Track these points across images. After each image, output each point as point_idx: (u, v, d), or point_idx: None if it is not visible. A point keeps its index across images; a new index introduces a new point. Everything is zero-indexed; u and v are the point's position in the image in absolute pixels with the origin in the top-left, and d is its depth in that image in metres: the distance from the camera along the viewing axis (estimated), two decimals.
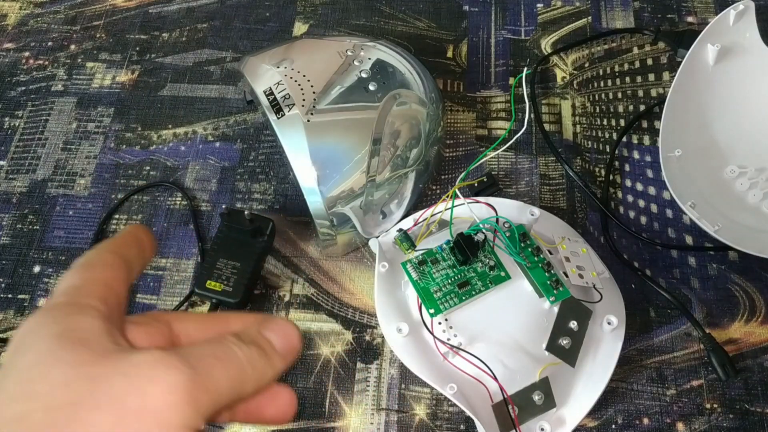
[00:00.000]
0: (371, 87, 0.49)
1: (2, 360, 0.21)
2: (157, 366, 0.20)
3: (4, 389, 0.19)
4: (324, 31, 0.66)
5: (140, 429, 0.19)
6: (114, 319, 0.22)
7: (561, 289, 0.46)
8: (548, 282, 0.46)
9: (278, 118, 0.48)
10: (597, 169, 0.57)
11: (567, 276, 0.46)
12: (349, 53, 0.51)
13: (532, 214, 0.48)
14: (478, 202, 0.50)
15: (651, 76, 0.61)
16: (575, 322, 0.44)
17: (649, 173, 0.57)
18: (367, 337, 0.51)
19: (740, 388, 0.47)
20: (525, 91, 0.58)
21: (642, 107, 0.60)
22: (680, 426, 0.47)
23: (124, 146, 0.60)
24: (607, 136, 0.59)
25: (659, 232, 0.54)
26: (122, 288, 0.24)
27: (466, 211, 0.49)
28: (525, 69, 0.61)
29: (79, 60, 0.66)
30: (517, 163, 0.58)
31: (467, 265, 0.47)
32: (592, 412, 0.46)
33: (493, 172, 0.57)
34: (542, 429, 0.43)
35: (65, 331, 0.20)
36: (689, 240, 0.53)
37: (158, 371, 0.20)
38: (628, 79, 0.62)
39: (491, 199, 0.51)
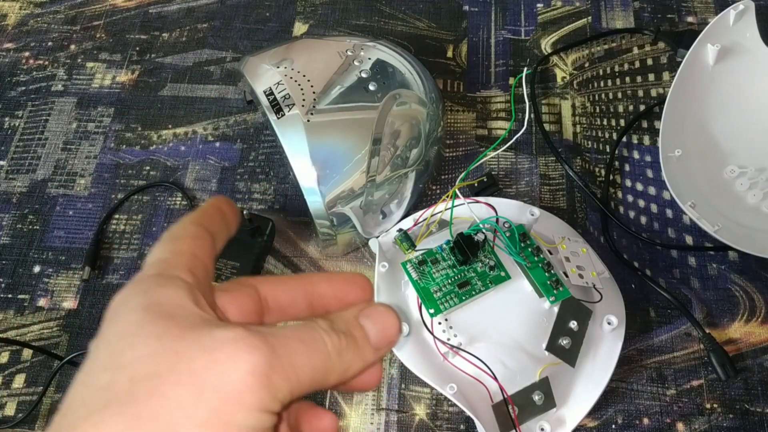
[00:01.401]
0: (371, 87, 0.49)
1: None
2: (239, 345, 0.19)
3: (96, 357, 0.20)
4: (324, 31, 0.66)
5: (218, 407, 0.19)
6: (202, 288, 0.22)
7: (561, 289, 0.46)
8: (548, 282, 0.46)
9: (278, 118, 0.48)
10: (597, 169, 0.57)
11: (567, 276, 0.46)
12: (349, 53, 0.51)
13: (532, 214, 0.48)
14: (478, 202, 0.50)
15: (651, 76, 0.61)
16: (575, 322, 0.44)
17: (649, 173, 0.57)
18: None
19: (740, 388, 0.47)
20: (525, 91, 0.58)
21: (642, 107, 0.60)
22: (680, 426, 0.47)
23: (124, 146, 0.60)
24: (607, 136, 0.59)
25: (659, 232, 0.54)
26: (209, 258, 0.24)
27: (466, 211, 0.49)
28: (525, 69, 0.61)
29: (79, 60, 0.66)
30: (517, 163, 0.58)
31: (467, 265, 0.47)
32: (592, 412, 0.46)
33: (493, 172, 0.57)
34: (542, 429, 0.43)
35: (153, 303, 0.21)
36: (689, 240, 0.53)
37: (239, 350, 0.19)
38: (628, 79, 0.62)
39: (491, 199, 0.51)
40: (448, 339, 0.45)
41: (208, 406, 0.19)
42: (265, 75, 0.50)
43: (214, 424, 0.19)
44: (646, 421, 0.47)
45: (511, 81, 0.62)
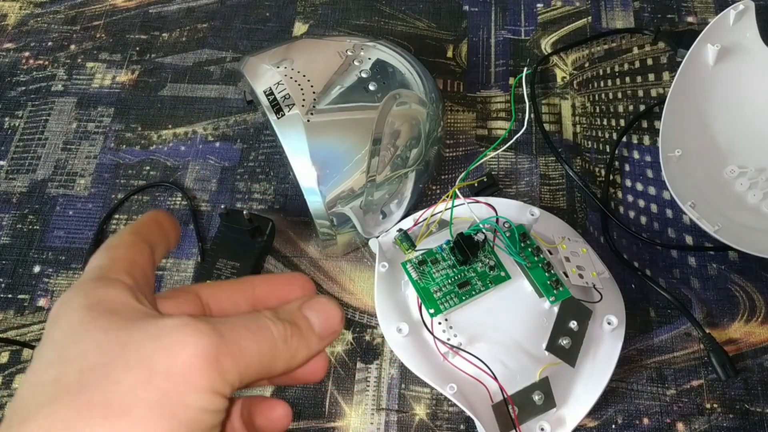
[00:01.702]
0: (371, 87, 0.49)
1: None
2: (185, 330, 0.20)
3: (41, 356, 0.21)
4: (324, 31, 0.66)
5: (167, 389, 0.19)
6: (143, 291, 0.23)
7: (561, 289, 0.46)
8: (548, 282, 0.46)
9: (278, 118, 0.48)
10: (597, 169, 0.57)
11: (567, 276, 0.46)
12: (349, 53, 0.51)
13: (532, 214, 0.48)
14: (478, 202, 0.50)
15: (651, 76, 0.61)
16: (575, 322, 0.44)
17: (649, 173, 0.57)
18: (367, 337, 0.51)
19: (740, 388, 0.47)
20: (525, 91, 0.58)
21: (642, 107, 0.60)
22: (680, 426, 0.47)
23: (124, 146, 0.60)
24: (607, 136, 0.59)
25: (659, 232, 0.54)
26: (148, 266, 0.24)
27: (466, 211, 0.49)
28: (525, 69, 0.61)
29: (79, 60, 0.66)
30: (517, 163, 0.58)
31: (467, 265, 0.47)
32: (592, 412, 0.46)
33: (493, 172, 0.57)
34: (542, 429, 0.43)
35: (95, 302, 0.21)
36: (689, 240, 0.53)
37: (186, 334, 0.20)
38: (628, 79, 0.62)
39: (491, 199, 0.51)
40: (448, 339, 0.45)
41: (158, 389, 0.19)
42: (265, 75, 0.50)
43: (165, 406, 0.19)
44: (646, 421, 0.47)
45: (511, 81, 0.62)
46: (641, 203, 0.55)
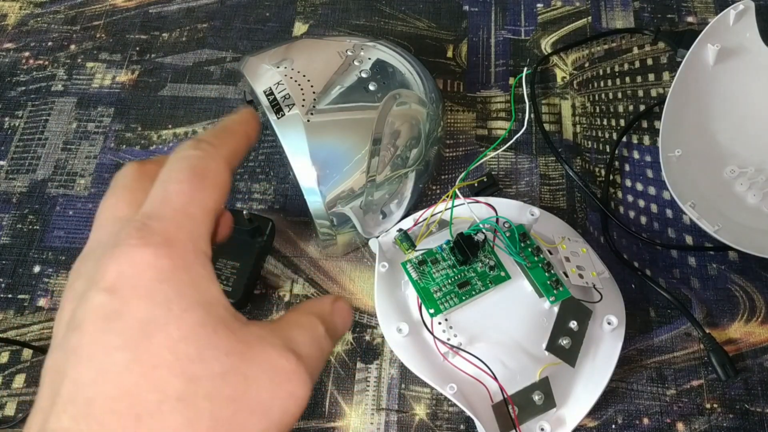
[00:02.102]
0: (371, 87, 0.50)
1: (115, 289, 0.19)
2: (295, 380, 0.20)
3: (157, 353, 0.18)
4: (324, 31, 0.66)
5: (269, 424, 0.19)
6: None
7: (561, 289, 0.46)
8: (548, 282, 0.46)
9: (278, 118, 0.48)
10: (597, 169, 0.57)
11: (567, 276, 0.46)
12: (349, 53, 0.51)
13: (532, 214, 0.48)
14: (478, 202, 0.50)
15: (651, 76, 0.61)
16: (575, 322, 0.44)
17: (649, 173, 0.57)
18: (367, 337, 0.51)
19: (740, 388, 0.47)
20: (525, 91, 0.58)
21: (642, 107, 0.60)
22: (680, 426, 0.47)
23: (124, 146, 0.60)
24: (607, 136, 0.59)
25: (659, 232, 0.54)
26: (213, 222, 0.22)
27: (466, 211, 0.49)
28: (525, 69, 0.61)
29: (79, 60, 0.66)
30: (517, 163, 0.58)
31: (467, 265, 0.47)
32: (592, 412, 0.46)
33: (493, 172, 0.57)
34: (542, 429, 0.43)
35: (208, 303, 0.20)
36: (689, 240, 0.53)
37: (296, 386, 0.20)
38: (628, 79, 0.62)
39: (491, 199, 0.51)
40: (448, 339, 0.45)
41: (265, 422, 0.19)
42: (265, 75, 0.50)
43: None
44: (646, 421, 0.47)
45: (511, 81, 0.62)
46: (641, 203, 0.55)
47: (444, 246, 0.48)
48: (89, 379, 0.18)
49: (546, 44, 0.64)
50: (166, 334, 0.18)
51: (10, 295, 0.53)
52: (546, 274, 0.46)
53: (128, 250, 0.19)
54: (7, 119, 0.62)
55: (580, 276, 0.46)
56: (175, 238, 0.20)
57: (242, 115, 0.25)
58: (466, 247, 0.46)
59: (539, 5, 0.67)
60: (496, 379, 0.43)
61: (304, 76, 0.49)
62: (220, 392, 0.19)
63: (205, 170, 0.21)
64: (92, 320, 0.19)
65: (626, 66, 0.62)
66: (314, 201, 0.47)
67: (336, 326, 0.24)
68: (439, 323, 0.46)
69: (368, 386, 0.49)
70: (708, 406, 0.47)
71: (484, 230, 0.47)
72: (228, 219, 0.25)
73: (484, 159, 0.57)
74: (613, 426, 0.47)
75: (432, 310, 0.45)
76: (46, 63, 0.66)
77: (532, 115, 0.59)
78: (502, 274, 0.47)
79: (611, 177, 0.56)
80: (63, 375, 0.18)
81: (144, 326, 0.18)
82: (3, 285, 0.54)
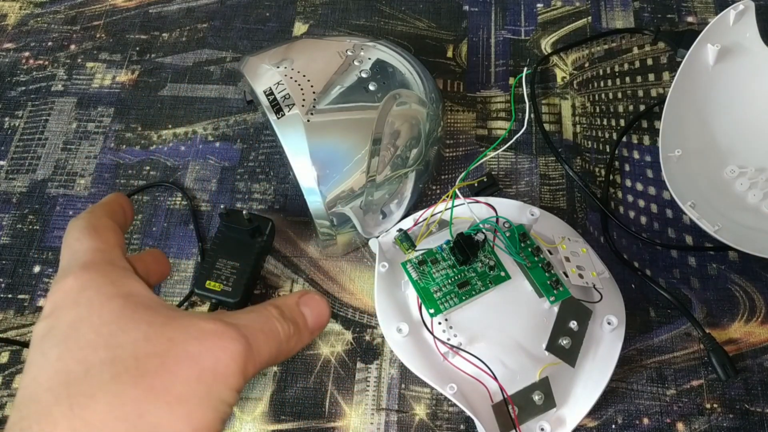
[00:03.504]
0: (371, 87, 0.49)
1: (50, 314, 0.23)
2: (224, 336, 0.23)
3: (82, 337, 0.22)
4: (324, 31, 0.66)
5: (212, 385, 0.22)
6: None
7: (561, 289, 0.46)
8: (548, 282, 0.46)
9: (278, 118, 0.48)
10: (597, 169, 0.57)
11: (567, 276, 0.46)
12: (349, 53, 0.51)
13: (532, 214, 0.48)
14: (478, 202, 0.50)
15: (651, 76, 0.61)
16: (575, 322, 0.44)
17: (649, 173, 0.57)
18: (367, 337, 0.51)
19: (740, 388, 0.47)
20: (525, 91, 0.58)
21: (642, 107, 0.60)
22: (680, 426, 0.47)
23: (124, 146, 0.60)
24: (607, 136, 0.59)
25: (659, 232, 0.54)
26: (123, 244, 0.27)
27: (466, 211, 0.49)
28: (525, 69, 0.61)
29: (79, 60, 0.66)
30: (517, 163, 0.58)
31: (467, 265, 0.47)
32: (592, 412, 0.46)
33: (493, 172, 0.57)
34: (542, 429, 0.43)
35: (127, 293, 0.23)
36: (689, 240, 0.53)
37: (225, 341, 0.23)
38: (628, 79, 0.62)
39: (491, 199, 0.51)
40: (448, 339, 0.45)
41: (206, 384, 0.22)
42: (265, 75, 0.50)
43: (211, 399, 0.22)
44: (646, 421, 0.47)
45: (511, 81, 0.62)
46: (641, 203, 0.55)
47: (444, 246, 0.48)
48: (29, 380, 0.21)
49: (546, 44, 0.64)
50: (90, 323, 0.22)
51: (10, 295, 0.53)
52: (546, 274, 0.46)
53: (54, 287, 0.23)
54: (7, 119, 0.62)
55: (580, 276, 0.46)
56: (90, 264, 0.24)
57: (113, 195, 0.30)
58: (466, 247, 0.46)
59: (539, 5, 0.67)
60: (496, 379, 0.43)
61: (304, 76, 0.49)
62: (144, 350, 0.21)
63: (93, 223, 0.26)
64: (33, 343, 0.22)
65: (626, 66, 0.62)
66: (314, 201, 0.47)
67: (302, 314, 0.26)
68: (439, 323, 0.46)
69: (368, 386, 0.49)
70: (708, 406, 0.47)
71: (484, 230, 0.47)
72: (159, 260, 0.31)
73: (484, 159, 0.57)
74: (613, 426, 0.47)
75: (432, 310, 0.45)
76: (46, 63, 0.66)
77: (532, 115, 0.59)
78: (502, 274, 0.47)
79: (611, 177, 0.56)
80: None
81: (72, 325, 0.22)
82: (3, 285, 0.54)
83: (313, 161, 0.47)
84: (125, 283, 0.24)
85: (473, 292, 0.46)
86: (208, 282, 0.49)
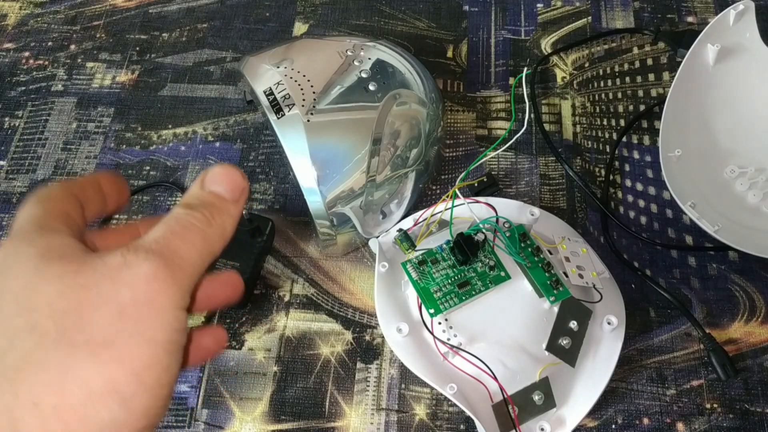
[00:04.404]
0: (371, 87, 0.49)
1: None
2: (132, 263, 0.21)
3: (4, 307, 0.21)
4: (324, 31, 0.66)
5: (140, 316, 0.21)
6: (82, 239, 0.24)
7: (561, 289, 0.46)
8: (548, 282, 0.46)
9: (278, 118, 0.48)
10: (597, 169, 0.57)
11: (567, 276, 0.46)
12: (349, 53, 0.51)
13: (532, 214, 0.48)
14: (478, 202, 0.50)
15: (651, 76, 0.61)
16: (575, 322, 0.44)
17: (649, 173, 0.57)
18: (367, 337, 0.51)
19: (740, 388, 0.47)
20: (525, 91, 0.58)
21: (642, 107, 0.60)
22: (680, 426, 0.47)
23: (124, 146, 0.60)
24: (607, 136, 0.59)
25: (659, 232, 0.54)
26: (80, 220, 0.25)
27: (466, 211, 0.49)
28: (525, 69, 0.61)
29: (79, 60, 0.66)
30: (517, 163, 0.58)
31: (467, 265, 0.47)
32: (592, 412, 0.46)
33: (493, 172, 0.57)
34: (542, 429, 0.43)
35: (44, 250, 0.22)
36: (689, 240, 0.53)
37: (134, 267, 0.21)
38: (628, 79, 0.62)
39: (491, 199, 0.51)
40: (448, 339, 0.45)
41: (131, 318, 0.21)
42: (265, 75, 0.50)
43: (142, 331, 0.21)
44: (646, 421, 0.47)
45: (511, 81, 0.62)
46: (641, 203, 0.55)
47: (444, 246, 0.48)
48: None
49: (546, 44, 0.64)
50: (9, 290, 0.21)
51: None
52: (546, 274, 0.46)
53: (3, 244, 0.23)
54: (7, 119, 0.62)
55: (580, 276, 0.46)
56: (19, 229, 0.23)
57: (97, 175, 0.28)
58: (466, 247, 0.46)
59: (539, 5, 0.67)
60: (496, 379, 0.43)
61: (304, 76, 0.49)
62: (59, 307, 0.20)
63: (41, 194, 0.25)
64: None
65: (626, 66, 0.62)
66: (314, 201, 0.47)
67: (216, 193, 0.25)
68: (439, 323, 0.46)
69: (368, 386, 0.49)
70: (708, 406, 0.47)
71: (484, 230, 0.47)
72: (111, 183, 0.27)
73: (484, 159, 0.57)
74: (613, 426, 0.47)
75: (432, 310, 0.45)
76: (46, 63, 0.66)
77: (532, 115, 0.59)
78: (502, 274, 0.47)
79: (611, 177, 0.56)
80: None
81: None
82: None
83: (313, 161, 0.47)
84: (45, 239, 0.22)
85: (473, 292, 0.46)
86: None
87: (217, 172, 0.25)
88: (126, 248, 0.22)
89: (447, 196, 0.50)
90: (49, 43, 0.67)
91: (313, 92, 0.48)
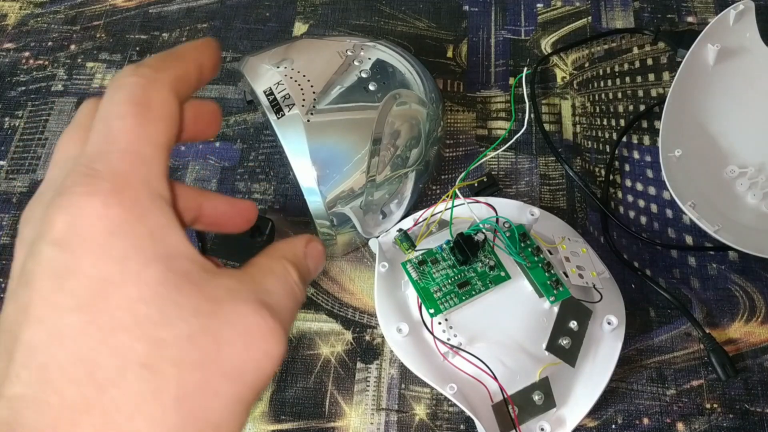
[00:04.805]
0: (371, 87, 0.49)
1: (64, 241, 0.17)
2: (270, 339, 0.19)
3: (114, 316, 0.17)
4: (324, 31, 0.66)
5: (246, 401, 0.19)
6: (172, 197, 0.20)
7: (561, 289, 0.46)
8: (548, 282, 0.46)
9: (278, 118, 0.48)
10: (597, 169, 0.57)
11: (567, 276, 0.46)
12: (349, 53, 0.51)
13: (532, 214, 0.48)
14: (478, 202, 0.50)
15: (651, 76, 0.61)
16: (575, 322, 0.44)
17: (649, 173, 0.57)
18: (367, 337, 0.51)
19: (740, 388, 0.47)
20: (525, 91, 0.58)
21: (642, 107, 0.60)
22: (680, 426, 0.47)
23: None
24: (607, 136, 0.59)
25: (659, 232, 0.54)
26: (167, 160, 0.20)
27: (466, 211, 0.49)
28: (525, 69, 0.61)
29: (79, 60, 0.66)
30: (517, 163, 0.58)
31: (467, 265, 0.47)
32: (592, 412, 0.46)
33: (493, 172, 0.57)
34: (542, 429, 0.43)
35: (169, 256, 0.18)
36: (689, 240, 0.53)
37: (271, 344, 0.19)
38: (628, 79, 0.62)
39: (491, 199, 0.51)
40: (448, 339, 0.45)
41: (243, 404, 0.18)
42: (265, 75, 0.50)
43: (241, 415, 0.18)
44: (646, 421, 0.47)
45: (511, 81, 0.62)
46: (641, 203, 0.55)
47: (444, 246, 0.48)
48: (41, 343, 0.16)
49: (546, 44, 0.64)
50: (124, 294, 0.17)
51: None
52: (546, 274, 0.46)
53: (75, 199, 0.17)
54: (7, 119, 0.62)
55: (580, 276, 0.46)
56: (125, 183, 0.18)
57: (196, 41, 0.22)
58: (466, 247, 0.46)
59: (539, 5, 0.67)
60: (496, 379, 0.43)
61: (304, 76, 0.49)
62: (187, 357, 0.17)
63: (148, 100, 0.19)
64: (42, 276, 0.17)
65: (626, 66, 0.62)
66: (314, 201, 0.47)
67: (309, 270, 0.23)
68: (439, 323, 0.46)
69: (368, 386, 0.49)
70: (708, 406, 0.47)
71: (484, 230, 0.47)
72: (213, 110, 0.23)
73: (484, 159, 0.57)
74: (613, 426, 0.47)
75: (432, 310, 0.45)
76: (46, 63, 0.66)
77: (532, 115, 0.59)
78: (502, 274, 0.47)
79: (611, 177, 0.56)
80: (15, 336, 0.17)
81: (99, 285, 0.17)
82: (3, 285, 0.54)
83: (313, 161, 0.47)
84: (167, 236, 0.18)
85: (473, 292, 0.46)
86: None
87: (317, 248, 0.24)
88: (267, 313, 0.19)
89: (447, 196, 0.50)
90: (49, 43, 0.67)
91: (313, 92, 0.48)
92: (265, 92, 0.49)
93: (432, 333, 0.45)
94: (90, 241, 0.17)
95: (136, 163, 0.18)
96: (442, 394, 0.45)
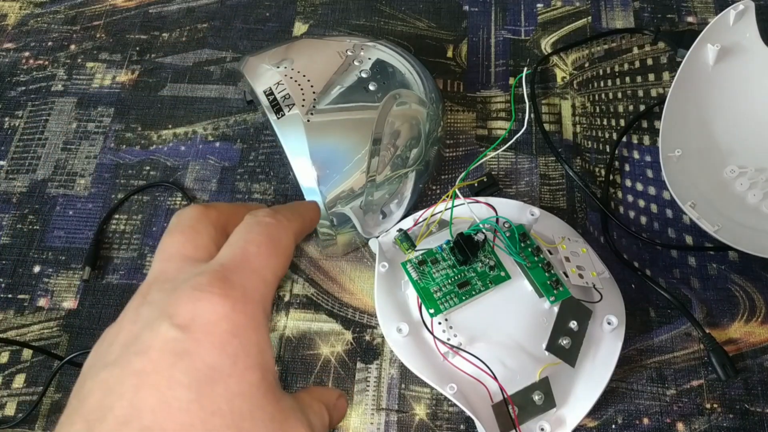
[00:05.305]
0: (371, 87, 0.50)
1: (189, 328, 0.20)
2: None
3: (215, 401, 0.19)
4: (324, 31, 0.66)
5: None
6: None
7: (561, 289, 0.46)
8: (548, 282, 0.46)
9: (278, 118, 0.48)
10: (597, 169, 0.57)
11: (567, 276, 0.46)
12: (349, 53, 0.51)
13: (532, 214, 0.48)
14: (478, 202, 0.50)
15: (651, 76, 0.61)
16: (575, 322, 0.44)
17: (649, 173, 0.57)
18: (367, 337, 0.51)
19: (740, 388, 0.47)
20: (525, 91, 0.58)
21: (642, 107, 0.60)
22: (680, 426, 0.47)
23: (124, 146, 0.60)
24: (607, 136, 0.59)
25: (659, 232, 0.54)
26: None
27: (466, 211, 0.49)
28: (525, 69, 0.61)
29: (79, 60, 0.66)
30: (517, 163, 0.58)
31: (467, 265, 0.47)
32: (592, 412, 0.46)
33: (493, 172, 0.57)
34: (542, 429, 0.43)
35: (265, 366, 0.21)
36: (689, 240, 0.53)
37: None
38: (628, 79, 0.62)
39: (491, 199, 0.51)
40: (448, 339, 0.45)
41: None
42: (265, 75, 0.50)
43: None
44: (646, 421, 0.47)
45: (511, 81, 0.62)
46: (641, 203, 0.55)
47: (444, 246, 0.48)
48: (149, 408, 0.19)
49: (546, 44, 0.64)
50: (227, 386, 0.20)
51: (10, 295, 0.53)
52: (546, 274, 0.46)
53: (209, 297, 0.20)
54: (7, 119, 0.62)
55: (580, 276, 0.46)
56: (251, 298, 0.21)
57: (310, 203, 0.29)
58: (466, 247, 0.46)
59: (539, 5, 0.67)
60: (496, 379, 0.43)
61: (304, 76, 0.49)
62: None
63: (279, 240, 0.24)
64: (161, 351, 0.19)
65: (626, 66, 0.62)
66: (314, 201, 0.47)
67: (332, 419, 0.25)
68: (439, 323, 0.46)
69: (368, 386, 0.49)
70: (708, 406, 0.47)
71: (484, 230, 0.47)
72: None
73: (484, 159, 0.57)
74: (613, 426, 0.47)
75: (432, 310, 0.45)
76: (46, 63, 0.66)
77: (532, 115, 0.59)
78: (502, 274, 0.47)
79: (611, 177, 0.56)
80: (120, 395, 0.19)
81: (210, 372, 0.19)
82: (3, 285, 0.54)
83: (313, 161, 0.47)
84: (266, 351, 0.21)
85: (473, 292, 0.46)
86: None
87: (344, 410, 0.28)
88: (309, 427, 0.22)
89: (447, 196, 0.50)
90: (49, 43, 0.67)
91: (313, 92, 0.48)
92: (265, 92, 0.49)
93: (432, 333, 0.45)
94: (212, 333, 0.20)
95: (261, 285, 0.22)
96: (442, 394, 0.45)
